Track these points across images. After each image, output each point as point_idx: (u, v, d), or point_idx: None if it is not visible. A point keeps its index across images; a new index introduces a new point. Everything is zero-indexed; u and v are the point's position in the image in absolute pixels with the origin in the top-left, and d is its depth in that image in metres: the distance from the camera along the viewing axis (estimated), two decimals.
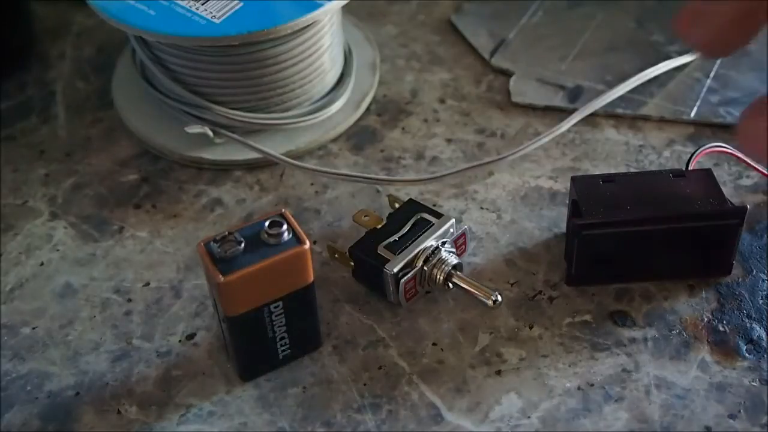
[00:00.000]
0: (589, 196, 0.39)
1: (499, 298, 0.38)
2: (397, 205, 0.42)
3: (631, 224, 0.38)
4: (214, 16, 0.43)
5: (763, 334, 0.39)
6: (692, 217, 0.39)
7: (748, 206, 0.39)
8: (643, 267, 0.40)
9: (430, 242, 0.39)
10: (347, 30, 0.52)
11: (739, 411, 0.36)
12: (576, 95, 0.49)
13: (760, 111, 0.31)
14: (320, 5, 0.44)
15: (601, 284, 0.40)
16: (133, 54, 0.49)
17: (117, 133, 0.49)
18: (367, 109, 0.50)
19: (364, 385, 0.38)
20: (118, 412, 0.37)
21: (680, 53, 0.50)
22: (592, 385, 0.37)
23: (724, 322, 0.39)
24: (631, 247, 0.39)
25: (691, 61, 0.50)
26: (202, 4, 0.44)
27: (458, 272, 0.39)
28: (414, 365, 0.38)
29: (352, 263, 0.40)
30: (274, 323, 0.36)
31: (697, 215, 0.39)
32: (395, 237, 0.40)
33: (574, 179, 0.40)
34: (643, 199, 0.39)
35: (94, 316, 0.41)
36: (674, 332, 0.39)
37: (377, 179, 0.45)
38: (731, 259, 0.40)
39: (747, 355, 0.38)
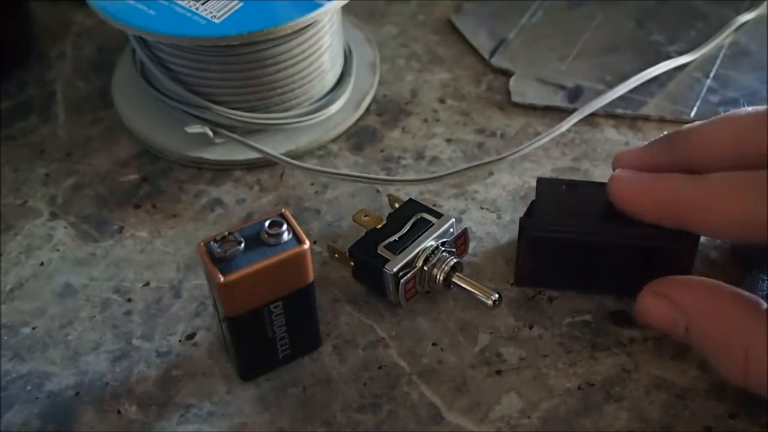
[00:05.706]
0: (548, 197, 0.39)
1: (499, 297, 0.38)
2: (397, 205, 0.42)
3: (579, 233, 0.38)
4: (214, 16, 0.43)
5: None
6: (643, 237, 0.37)
7: None
8: (594, 280, 0.39)
9: (430, 242, 0.39)
10: (347, 30, 0.52)
11: (739, 411, 0.36)
12: (576, 95, 0.49)
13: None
14: (320, 5, 0.44)
15: (552, 288, 0.40)
16: (133, 54, 0.49)
17: (117, 133, 0.49)
18: (367, 109, 0.50)
19: (364, 385, 0.38)
20: (118, 412, 0.37)
21: (680, 53, 0.50)
22: (592, 385, 0.37)
23: None
24: (579, 258, 0.39)
25: (691, 61, 0.50)
26: (202, 4, 0.44)
27: (458, 272, 0.39)
28: (414, 365, 0.38)
29: (352, 263, 0.40)
30: (274, 323, 0.36)
31: (650, 236, 0.37)
32: (395, 237, 0.40)
33: (539, 180, 0.40)
34: (601, 211, 0.38)
35: (94, 316, 0.41)
36: None
37: (377, 179, 0.45)
38: None
39: None
